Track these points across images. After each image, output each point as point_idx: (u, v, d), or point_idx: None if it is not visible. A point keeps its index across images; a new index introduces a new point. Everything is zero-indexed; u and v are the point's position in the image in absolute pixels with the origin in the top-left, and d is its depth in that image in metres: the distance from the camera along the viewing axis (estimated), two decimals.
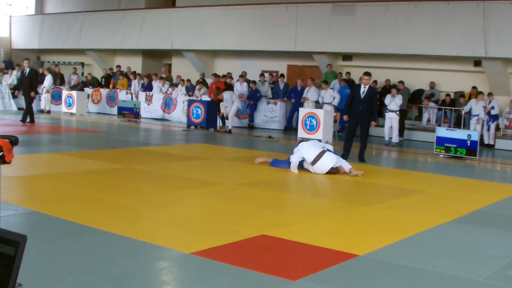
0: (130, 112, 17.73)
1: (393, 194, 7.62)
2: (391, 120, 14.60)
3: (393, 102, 14.57)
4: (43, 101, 18.98)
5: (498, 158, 13.31)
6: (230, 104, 15.77)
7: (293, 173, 8.76)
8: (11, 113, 18.39)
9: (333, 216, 6.17)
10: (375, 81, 16.77)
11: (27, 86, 15.49)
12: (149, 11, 22.45)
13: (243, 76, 18.48)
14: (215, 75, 17.94)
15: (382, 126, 16.87)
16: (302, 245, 4.73)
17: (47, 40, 25.02)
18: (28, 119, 15.27)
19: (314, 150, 8.81)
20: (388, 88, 17.20)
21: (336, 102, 16.19)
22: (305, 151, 8.84)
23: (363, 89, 10.44)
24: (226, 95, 15.90)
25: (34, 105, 18.47)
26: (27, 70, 15.65)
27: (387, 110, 14.75)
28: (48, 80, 18.91)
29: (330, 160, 8.73)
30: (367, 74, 10.52)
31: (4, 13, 26.45)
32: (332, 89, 16.64)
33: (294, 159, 8.82)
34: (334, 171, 8.77)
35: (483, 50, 15.31)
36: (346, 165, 8.81)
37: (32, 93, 15.40)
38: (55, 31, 24.65)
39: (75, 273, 3.75)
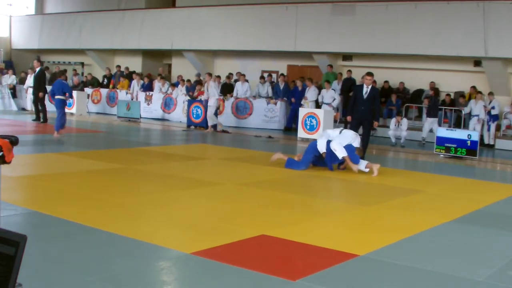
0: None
1: (393, 194, 7.62)
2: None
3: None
4: (29, 101, 18.93)
5: (498, 158, 13.31)
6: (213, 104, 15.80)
7: (296, 171, 8.88)
8: (11, 113, 18.39)
9: (333, 216, 6.17)
10: (374, 81, 16.75)
11: (35, 87, 16.08)
12: (149, 11, 22.45)
13: (244, 75, 18.49)
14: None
15: (383, 126, 16.90)
16: (302, 245, 4.73)
17: (47, 40, 25.01)
18: (41, 119, 15.68)
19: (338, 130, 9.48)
20: (386, 90, 17.25)
21: (335, 103, 16.19)
22: (330, 131, 9.56)
23: (366, 89, 10.41)
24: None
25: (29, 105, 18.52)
26: (37, 70, 16.16)
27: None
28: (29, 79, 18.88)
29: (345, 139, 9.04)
30: (370, 74, 10.49)
31: (4, 13, 26.45)
32: (334, 90, 16.60)
33: (323, 141, 9.15)
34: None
35: (483, 50, 15.31)
36: (356, 170, 8.99)
37: (41, 94, 15.73)
38: (55, 31, 24.65)
39: (75, 273, 3.75)
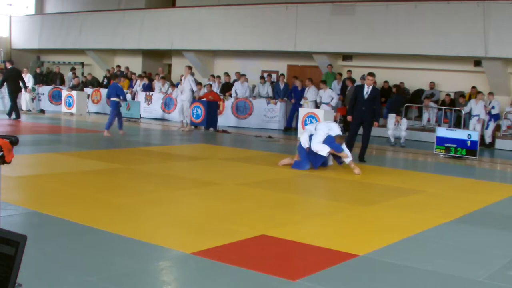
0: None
1: (393, 194, 7.62)
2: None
3: None
4: (24, 101, 18.87)
5: (498, 158, 13.31)
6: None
7: (296, 171, 8.92)
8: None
9: (333, 216, 6.17)
10: (374, 82, 16.76)
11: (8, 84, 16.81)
12: (149, 11, 22.45)
13: (244, 76, 18.50)
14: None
15: (383, 126, 16.90)
16: (302, 245, 4.73)
17: (47, 40, 25.01)
18: (13, 115, 16.16)
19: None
20: (386, 90, 17.24)
21: (334, 102, 16.25)
22: (309, 127, 9.62)
23: (367, 90, 10.41)
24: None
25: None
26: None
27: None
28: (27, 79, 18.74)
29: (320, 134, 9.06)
30: (371, 74, 10.48)
31: (4, 13, 26.44)
32: (331, 89, 16.69)
33: (304, 136, 9.26)
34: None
35: (483, 50, 15.32)
36: (347, 155, 9.04)
37: (2, 90, 17.00)
38: (55, 31, 24.64)
39: (75, 273, 3.75)
